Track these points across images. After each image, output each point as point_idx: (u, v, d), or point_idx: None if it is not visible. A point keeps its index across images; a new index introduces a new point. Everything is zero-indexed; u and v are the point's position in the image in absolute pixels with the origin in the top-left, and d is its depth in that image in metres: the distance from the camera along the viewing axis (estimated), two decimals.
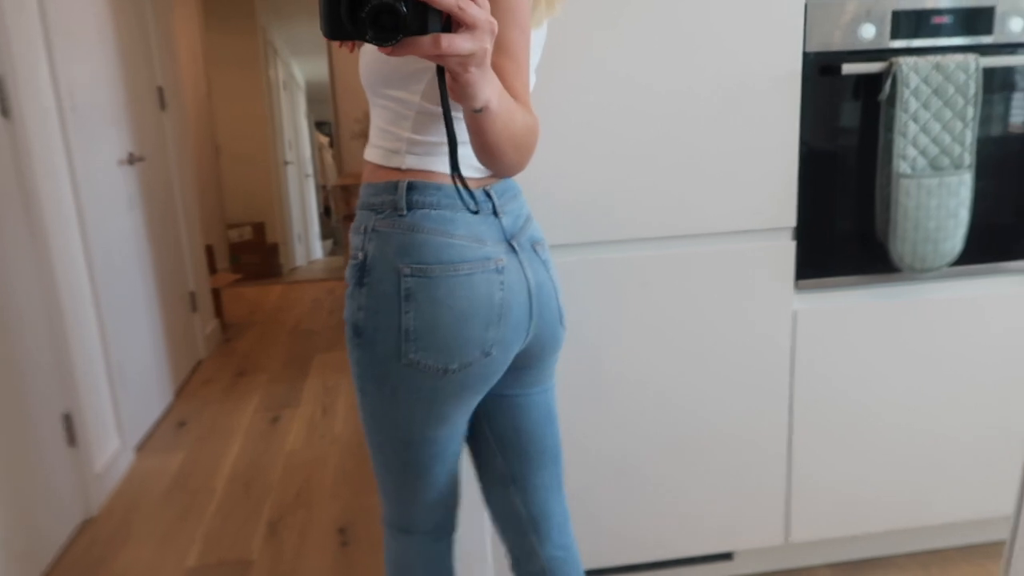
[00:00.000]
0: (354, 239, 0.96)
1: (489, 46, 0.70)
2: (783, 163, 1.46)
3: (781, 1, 1.39)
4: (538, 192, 1.42)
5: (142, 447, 2.59)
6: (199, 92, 4.61)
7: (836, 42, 1.44)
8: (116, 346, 2.43)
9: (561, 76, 1.38)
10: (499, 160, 0.86)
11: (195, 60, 4.58)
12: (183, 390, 3.12)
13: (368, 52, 0.95)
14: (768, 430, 1.59)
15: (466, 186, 0.85)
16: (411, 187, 0.92)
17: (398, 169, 0.93)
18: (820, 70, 1.45)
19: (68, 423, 2.07)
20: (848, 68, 1.41)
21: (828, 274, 1.54)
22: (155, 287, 2.91)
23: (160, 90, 3.19)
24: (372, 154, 0.98)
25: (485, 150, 0.84)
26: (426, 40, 0.66)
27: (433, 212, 0.91)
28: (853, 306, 1.55)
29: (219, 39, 5.42)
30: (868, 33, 1.44)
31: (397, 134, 0.94)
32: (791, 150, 1.46)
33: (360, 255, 0.94)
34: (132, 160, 2.73)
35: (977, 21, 1.46)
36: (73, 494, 2.07)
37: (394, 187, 0.92)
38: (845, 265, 1.54)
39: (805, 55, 1.43)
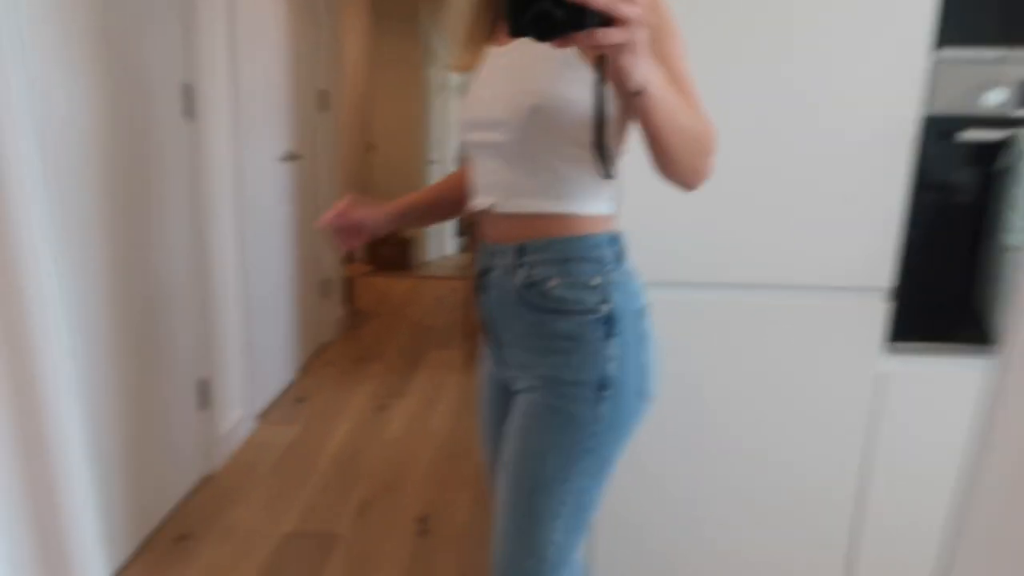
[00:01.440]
0: (582, 294, 1.00)
1: (641, 37, 0.79)
2: (884, 222, 1.44)
3: (903, 61, 1.37)
4: (640, 229, 1.48)
5: (263, 417, 2.86)
6: (358, 92, 4.95)
7: (958, 105, 1.39)
8: (253, 324, 2.70)
9: None
10: (670, 156, 0.91)
11: (358, 62, 4.93)
12: (307, 368, 3.39)
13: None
14: (840, 488, 1.56)
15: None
16: (619, 236, 1.05)
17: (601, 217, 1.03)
18: (938, 135, 1.41)
19: (202, 388, 2.34)
20: (967, 135, 1.37)
21: (921, 338, 1.49)
22: (294, 273, 3.19)
23: (322, 93, 3.48)
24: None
25: (653, 143, 0.89)
26: (581, 35, 0.77)
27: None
28: (942, 372, 1.49)
29: (382, 41, 5.77)
30: (995, 100, 1.39)
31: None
32: (894, 210, 1.43)
33: (605, 307, 0.99)
34: (291, 157, 3.01)
35: None
36: (197, 452, 2.33)
37: (608, 239, 1.03)
38: (939, 331, 1.49)
39: (927, 119, 1.40)
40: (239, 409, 2.62)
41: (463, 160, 1.19)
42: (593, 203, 1.02)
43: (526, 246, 1.02)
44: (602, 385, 0.98)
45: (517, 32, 0.79)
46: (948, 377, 1.49)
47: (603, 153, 0.91)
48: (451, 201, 1.26)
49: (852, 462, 1.54)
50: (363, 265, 4.58)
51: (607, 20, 0.77)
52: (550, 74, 0.97)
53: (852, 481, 1.55)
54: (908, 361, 1.50)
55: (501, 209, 1.04)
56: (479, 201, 1.08)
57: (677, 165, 0.93)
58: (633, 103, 0.85)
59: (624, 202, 1.39)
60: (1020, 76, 1.37)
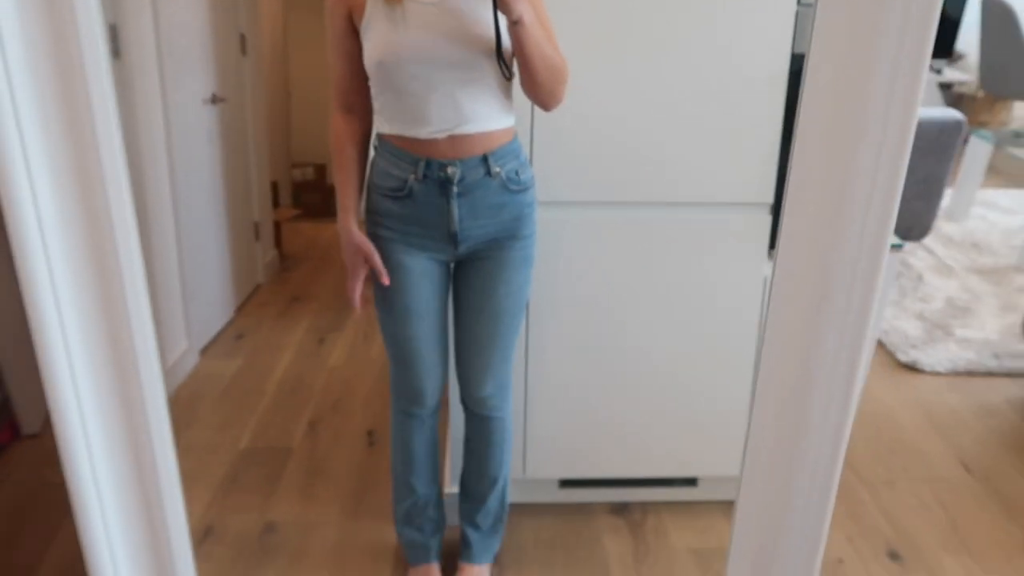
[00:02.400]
0: (528, 174, 1.48)
1: None
2: (767, 147, 1.70)
3: (777, 11, 1.61)
4: (551, 153, 1.69)
5: (206, 351, 2.97)
6: (276, 38, 4.93)
7: None
8: (189, 261, 2.80)
9: (583, 63, 1.63)
10: (536, 79, 1.31)
11: (274, 5, 4.90)
12: (243, 308, 3.50)
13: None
14: (737, 374, 1.85)
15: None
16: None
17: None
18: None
19: None
20: None
21: None
22: (225, 215, 3.28)
23: (242, 36, 3.51)
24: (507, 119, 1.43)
25: (525, 66, 1.30)
26: None
27: None
28: None
29: None
30: None
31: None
32: (775, 136, 1.69)
33: (533, 181, 1.50)
34: (215, 100, 3.07)
35: None
36: None
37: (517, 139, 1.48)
38: None
39: (795, 56, 1.66)
40: (182, 343, 2.74)
41: (346, 105, 1.46)
42: (511, 115, 1.44)
43: (491, 154, 1.40)
44: (534, 233, 1.52)
45: None
46: None
47: (502, 58, 1.31)
48: (363, 164, 1.51)
49: (748, 355, 1.83)
50: (290, 210, 4.65)
51: None
52: (487, 18, 1.27)
53: (748, 371, 1.84)
54: None
55: (465, 131, 1.36)
56: (435, 128, 1.35)
57: (541, 87, 1.34)
58: (513, 31, 1.24)
59: (534, 132, 1.66)
60: None
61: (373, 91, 1.41)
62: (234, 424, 2.42)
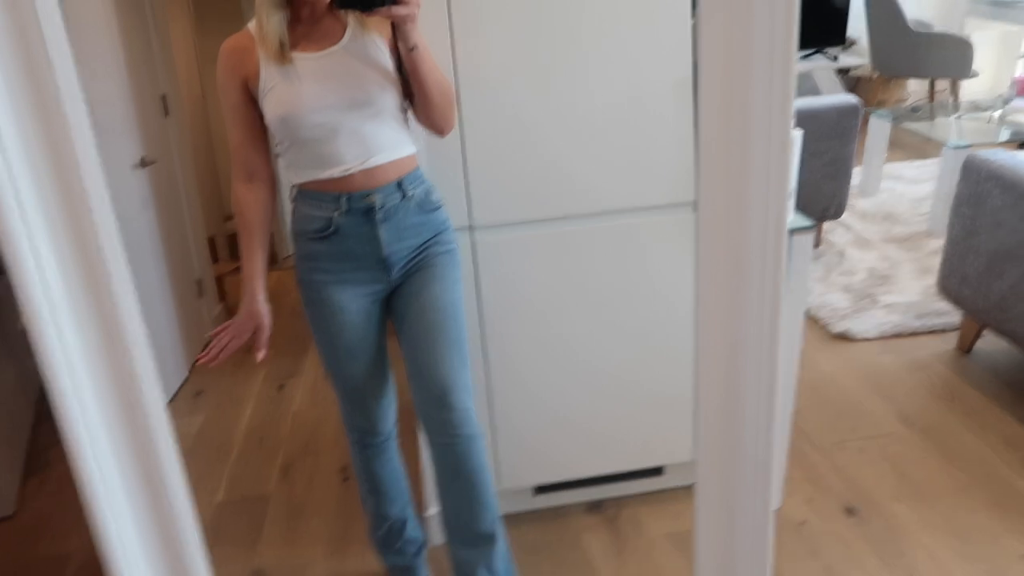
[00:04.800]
0: (436, 194, 1.57)
1: (416, 11, 1.33)
2: (682, 149, 1.83)
3: (677, 25, 1.75)
4: (483, 180, 1.79)
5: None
6: (194, 94, 4.94)
7: None
8: None
9: (490, 81, 1.74)
10: (432, 103, 1.44)
11: (190, 64, 4.91)
12: (196, 366, 3.49)
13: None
14: (682, 363, 1.98)
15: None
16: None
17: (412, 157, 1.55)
18: None
19: None
20: None
21: None
22: (167, 276, 3.27)
23: (163, 97, 3.53)
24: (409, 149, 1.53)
25: (419, 89, 1.42)
26: (385, 8, 1.30)
27: None
28: None
29: (211, 41, 5.72)
30: None
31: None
32: (688, 136, 1.83)
33: (440, 198, 1.58)
34: (144, 163, 3.08)
35: None
36: None
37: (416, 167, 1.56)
38: None
39: (696, 63, 1.80)
40: None
41: (248, 175, 1.56)
42: (412, 144, 1.53)
43: (403, 180, 1.50)
44: (456, 248, 1.60)
45: (343, 5, 1.34)
46: None
47: (407, 85, 1.45)
48: (268, 230, 1.60)
49: (687, 349, 1.96)
50: (229, 263, 4.64)
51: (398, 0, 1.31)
52: (384, 59, 1.44)
53: (689, 365, 1.97)
54: None
55: (376, 162, 1.46)
56: (349, 166, 1.45)
57: (436, 109, 1.46)
58: (409, 57, 1.38)
59: (468, 158, 1.76)
60: None
61: (280, 147, 1.49)
62: (207, 479, 2.42)
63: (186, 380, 3.32)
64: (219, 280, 4.31)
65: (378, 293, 1.56)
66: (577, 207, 1.83)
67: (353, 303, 1.53)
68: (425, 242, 1.54)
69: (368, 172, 1.45)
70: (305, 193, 1.50)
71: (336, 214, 1.46)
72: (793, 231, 1.74)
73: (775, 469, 1.42)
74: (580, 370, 1.94)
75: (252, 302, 1.54)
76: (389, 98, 1.44)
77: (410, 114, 1.53)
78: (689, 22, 1.76)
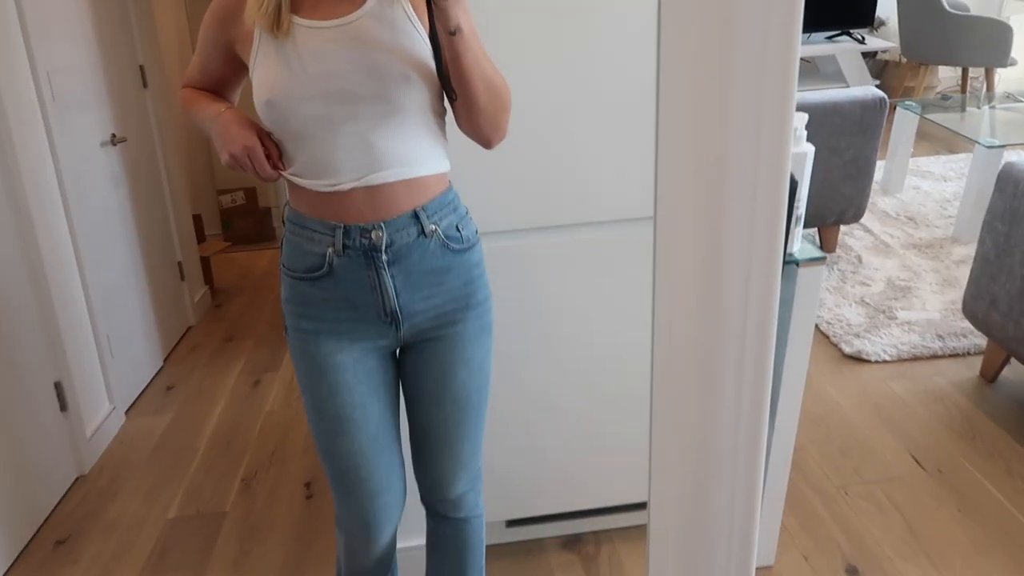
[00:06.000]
0: (471, 228, 1.21)
1: None
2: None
3: (641, 41, 1.52)
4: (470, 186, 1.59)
5: (132, 410, 2.81)
6: (184, 60, 4.72)
7: None
8: (104, 317, 2.63)
9: None
10: (477, 104, 1.07)
11: (179, 33, 4.69)
12: (172, 356, 3.33)
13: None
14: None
15: None
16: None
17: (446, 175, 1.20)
18: None
19: (59, 390, 2.28)
20: None
21: None
22: (142, 259, 3.10)
23: (142, 68, 3.32)
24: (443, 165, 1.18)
25: (460, 81, 1.05)
26: None
27: None
28: None
29: (201, 5, 5.48)
30: None
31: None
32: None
33: (477, 236, 1.23)
34: (115, 141, 2.89)
35: None
36: (66, 455, 2.29)
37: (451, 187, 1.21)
38: None
39: None
40: (104, 405, 2.57)
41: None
42: (445, 159, 1.18)
43: (422, 209, 1.14)
44: (489, 296, 1.24)
45: None
46: None
47: (444, 76, 1.06)
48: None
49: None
50: (218, 243, 4.47)
51: None
52: (416, 42, 1.07)
53: None
54: None
55: (382, 179, 1.09)
56: (346, 178, 1.09)
57: (482, 114, 1.09)
58: (450, 43, 1.02)
59: (453, 167, 1.50)
60: None
61: (273, 137, 1.15)
62: (163, 490, 2.27)
63: (160, 371, 3.16)
64: (205, 261, 4.14)
65: (384, 348, 1.22)
66: (556, 218, 1.63)
67: (351, 359, 1.18)
68: (451, 295, 1.18)
69: (372, 193, 1.10)
70: (295, 218, 1.16)
71: (331, 251, 1.13)
72: (799, 263, 1.53)
73: (770, 520, 1.21)
74: (559, 399, 1.76)
75: (228, 114, 1.14)
76: (415, 94, 1.07)
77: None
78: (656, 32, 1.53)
